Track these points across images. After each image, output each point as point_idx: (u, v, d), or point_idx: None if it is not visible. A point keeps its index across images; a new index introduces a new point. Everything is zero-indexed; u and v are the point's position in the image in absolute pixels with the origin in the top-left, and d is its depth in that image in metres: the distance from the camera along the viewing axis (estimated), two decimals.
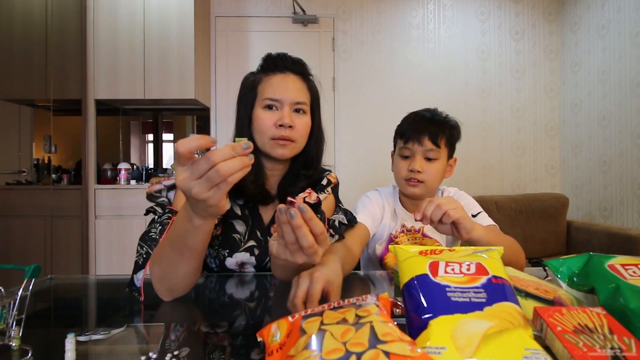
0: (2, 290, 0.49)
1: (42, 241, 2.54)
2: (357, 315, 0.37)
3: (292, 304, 0.54)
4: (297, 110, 0.83)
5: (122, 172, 2.70)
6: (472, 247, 0.54)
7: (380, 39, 3.02)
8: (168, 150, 3.37)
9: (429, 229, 1.05)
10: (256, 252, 0.85)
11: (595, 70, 2.70)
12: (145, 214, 0.78)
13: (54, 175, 2.74)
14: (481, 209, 1.02)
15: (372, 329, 0.34)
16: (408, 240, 1.05)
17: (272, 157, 0.83)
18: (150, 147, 3.39)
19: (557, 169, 3.11)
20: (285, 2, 2.96)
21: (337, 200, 0.94)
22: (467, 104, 3.05)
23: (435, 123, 1.00)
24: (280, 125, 0.80)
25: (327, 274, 0.58)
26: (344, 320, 0.37)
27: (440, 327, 0.37)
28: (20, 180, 2.75)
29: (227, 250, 0.84)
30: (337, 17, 3.00)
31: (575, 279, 0.53)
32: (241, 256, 0.84)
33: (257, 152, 0.84)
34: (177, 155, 0.45)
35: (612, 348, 0.34)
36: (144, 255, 0.68)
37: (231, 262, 0.84)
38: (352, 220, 0.90)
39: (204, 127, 3.27)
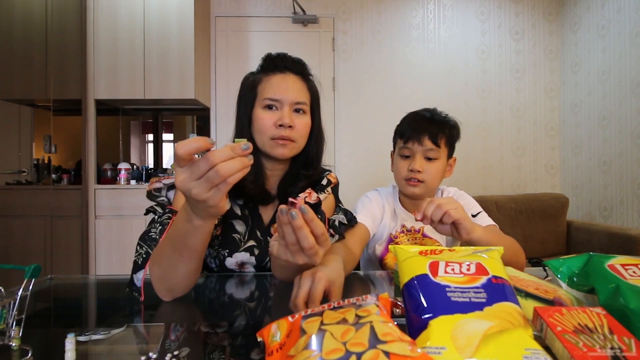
0: (2, 290, 0.49)
1: (42, 241, 2.54)
2: (357, 315, 0.37)
3: (294, 304, 0.55)
4: (297, 110, 0.83)
5: (122, 172, 2.70)
6: (472, 247, 0.54)
7: (380, 39, 3.02)
8: (168, 150, 3.37)
9: (428, 229, 1.05)
10: (256, 252, 0.85)
11: (595, 70, 2.70)
12: (145, 214, 0.78)
13: (54, 175, 2.74)
14: (481, 209, 1.02)
15: (372, 329, 0.34)
16: (408, 240, 1.05)
17: (272, 157, 0.83)
18: (150, 147, 3.39)
19: (557, 169, 3.11)
20: (285, 2, 2.96)
21: (337, 200, 0.94)
22: (467, 104, 3.05)
23: (435, 123, 1.00)
24: (280, 125, 0.80)
25: (329, 274, 0.58)
26: (344, 320, 0.37)
27: (440, 327, 0.37)
28: (20, 180, 2.75)
29: (227, 250, 0.84)
30: (337, 17, 3.01)
31: (575, 279, 0.53)
32: (241, 256, 0.84)
33: (257, 152, 0.84)
34: (176, 157, 0.45)
35: (612, 348, 0.34)
36: (144, 255, 0.68)
37: (231, 262, 0.84)
38: (352, 220, 0.90)
39: (204, 127, 3.27)
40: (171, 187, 0.81)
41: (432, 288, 0.42)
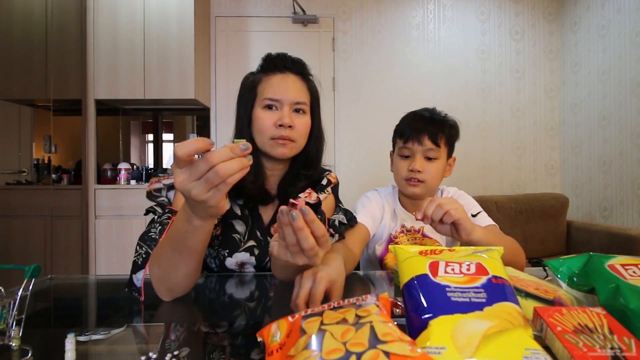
0: (2, 290, 0.49)
1: (42, 241, 2.54)
2: (357, 315, 0.37)
3: (295, 304, 0.55)
4: (296, 110, 0.83)
5: (122, 172, 2.70)
6: (472, 247, 0.54)
7: (380, 39, 3.02)
8: (168, 150, 3.37)
9: (428, 229, 1.05)
10: (256, 252, 0.85)
11: (595, 70, 2.70)
12: (145, 214, 0.78)
13: (54, 175, 2.74)
14: (481, 209, 1.02)
15: (372, 329, 0.34)
16: (408, 240, 1.05)
17: (272, 156, 0.83)
18: (150, 147, 3.39)
19: (557, 169, 3.11)
20: (285, 2, 2.96)
21: (337, 200, 0.94)
22: (467, 104, 3.05)
23: (434, 122, 1.00)
24: (280, 125, 0.80)
25: (330, 274, 0.58)
26: (344, 320, 0.37)
27: (440, 327, 0.37)
28: (20, 180, 2.75)
29: (227, 250, 0.84)
30: (337, 17, 3.01)
31: (575, 279, 0.53)
32: (241, 256, 0.84)
33: (257, 152, 0.84)
34: (175, 158, 0.45)
35: (612, 348, 0.34)
36: (143, 255, 0.68)
37: (231, 262, 0.84)
38: (351, 220, 0.90)
39: (204, 127, 3.27)
40: (171, 187, 0.81)
41: (432, 288, 0.42)
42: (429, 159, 0.99)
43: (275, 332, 0.40)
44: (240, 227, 0.86)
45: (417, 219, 0.76)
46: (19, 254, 2.53)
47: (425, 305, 0.40)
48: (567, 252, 2.68)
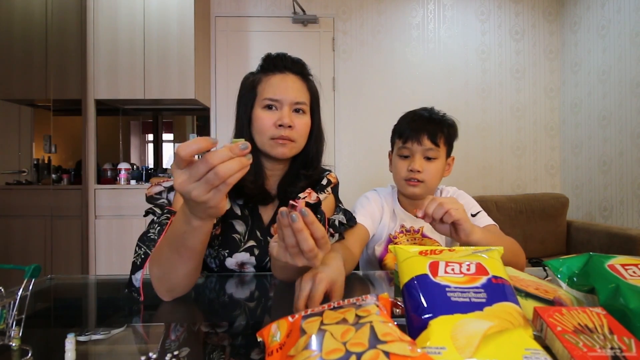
0: (2, 290, 0.49)
1: (42, 241, 2.54)
2: (357, 315, 0.37)
3: (296, 308, 0.55)
4: (296, 110, 0.83)
5: (122, 172, 2.70)
6: (472, 247, 0.54)
7: (380, 39, 3.02)
8: (168, 150, 3.37)
9: (428, 230, 1.05)
10: (256, 252, 0.85)
11: (595, 70, 2.70)
12: (145, 215, 0.78)
13: (54, 175, 2.74)
14: (480, 209, 1.02)
15: (372, 329, 0.34)
16: (407, 240, 1.05)
17: (272, 156, 0.83)
18: (150, 147, 3.39)
19: (557, 169, 3.11)
20: (285, 2, 2.96)
21: (337, 200, 0.94)
22: (467, 104, 3.05)
23: (433, 122, 1.00)
24: (280, 125, 0.80)
25: (329, 274, 0.58)
26: (344, 320, 0.37)
27: (440, 327, 0.37)
28: (20, 180, 2.75)
29: (227, 251, 0.84)
30: (337, 17, 3.01)
31: (575, 279, 0.53)
32: (241, 256, 0.84)
33: (256, 152, 0.84)
34: (177, 158, 0.45)
35: (612, 348, 0.34)
36: (142, 256, 0.68)
37: (231, 262, 0.84)
38: (351, 220, 0.90)
39: (204, 127, 3.27)
40: (171, 189, 0.80)
41: (432, 288, 0.42)
42: (428, 158, 0.99)
43: (275, 332, 0.40)
44: (240, 227, 0.86)
45: (417, 217, 0.76)
46: (19, 254, 2.53)
47: (425, 305, 0.40)
48: (567, 252, 2.68)
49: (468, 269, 0.44)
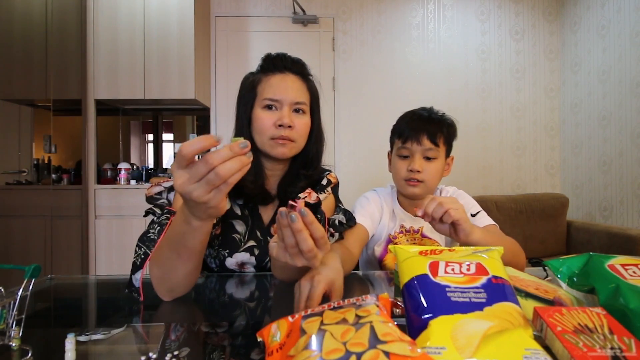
0: (2, 290, 0.49)
1: (42, 241, 2.54)
2: (357, 315, 0.37)
3: (296, 311, 0.55)
4: (296, 110, 0.83)
5: (122, 172, 2.70)
6: (472, 247, 0.54)
7: (380, 39, 3.02)
8: (168, 150, 3.37)
9: (427, 230, 1.05)
10: (256, 252, 0.85)
11: (595, 70, 2.70)
12: (145, 216, 0.78)
13: (54, 175, 2.74)
14: (480, 208, 1.02)
15: (372, 329, 0.34)
16: (407, 240, 1.05)
17: (272, 156, 0.83)
18: (150, 147, 3.39)
19: (557, 169, 3.11)
20: (285, 2, 2.96)
21: (337, 200, 0.94)
22: (467, 104, 3.05)
23: (433, 122, 0.99)
24: (280, 125, 0.80)
25: (328, 275, 0.58)
26: (344, 320, 0.37)
27: (440, 327, 0.37)
28: (20, 180, 2.75)
29: (227, 251, 0.84)
30: (337, 17, 3.01)
31: (575, 279, 0.53)
32: (241, 256, 0.84)
33: (256, 152, 0.84)
34: (180, 157, 0.45)
35: (612, 348, 0.34)
36: (142, 256, 0.68)
37: (231, 262, 0.84)
38: (350, 220, 0.90)
39: (204, 127, 3.27)
40: (171, 189, 0.80)
41: (432, 288, 0.42)
42: (428, 158, 0.99)
43: (275, 332, 0.40)
44: (240, 227, 0.86)
45: (417, 216, 0.76)
46: (19, 254, 2.53)
47: (425, 305, 0.40)
48: (567, 252, 2.68)
49: (468, 269, 0.44)
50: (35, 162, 2.84)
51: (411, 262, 0.47)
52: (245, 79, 0.89)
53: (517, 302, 0.40)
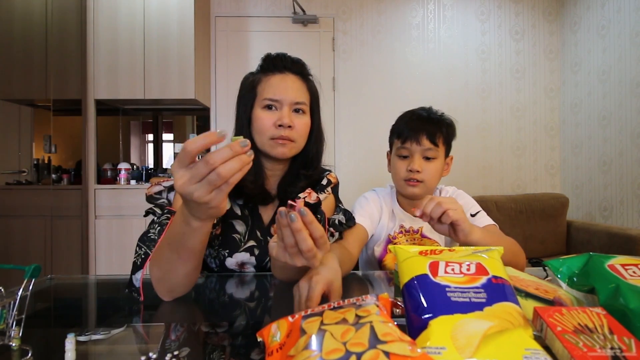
0: (2, 290, 0.49)
1: (42, 241, 2.54)
2: (357, 316, 0.37)
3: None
4: (296, 110, 0.83)
5: (122, 172, 2.70)
6: (472, 247, 0.54)
7: (380, 39, 3.02)
8: (168, 150, 3.37)
9: (427, 230, 1.05)
10: (256, 252, 0.85)
11: (595, 70, 2.70)
12: (145, 215, 0.78)
13: (54, 175, 2.74)
14: (480, 208, 1.02)
15: (372, 329, 0.34)
16: (407, 241, 1.05)
17: (272, 156, 0.83)
18: (150, 147, 3.39)
19: (557, 169, 3.11)
20: (285, 2, 2.96)
21: (337, 200, 0.94)
22: (467, 104, 3.05)
23: (432, 122, 0.99)
24: (280, 125, 0.80)
25: (326, 275, 0.58)
26: (344, 320, 0.37)
27: (440, 327, 0.37)
28: (20, 180, 2.75)
29: (227, 251, 0.84)
30: (337, 17, 3.01)
31: (575, 279, 0.53)
32: (241, 256, 0.84)
33: (256, 152, 0.84)
34: (184, 154, 0.44)
35: (612, 348, 0.34)
36: (142, 256, 0.68)
37: (231, 262, 0.84)
38: (350, 220, 0.90)
39: (204, 127, 3.27)
40: (171, 188, 0.80)
41: (432, 288, 0.42)
42: (427, 158, 0.99)
43: (275, 332, 0.40)
44: (240, 227, 0.86)
45: (415, 216, 0.75)
46: (19, 254, 2.53)
47: (425, 305, 0.40)
48: (567, 252, 2.68)
49: (468, 269, 0.44)
50: (35, 162, 2.85)
51: (411, 262, 0.47)
52: (245, 79, 0.89)
53: (517, 302, 0.40)
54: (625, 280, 0.45)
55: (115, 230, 2.57)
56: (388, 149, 1.10)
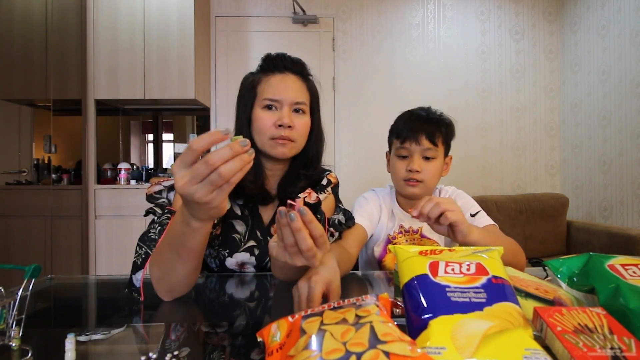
0: (2, 290, 0.49)
1: (42, 241, 2.54)
2: (357, 316, 0.37)
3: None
4: (296, 110, 0.83)
5: (122, 172, 2.70)
6: (472, 247, 0.54)
7: (380, 39, 3.02)
8: (168, 151, 3.37)
9: (427, 230, 1.05)
10: (256, 252, 0.85)
11: (595, 70, 2.70)
12: (145, 215, 0.78)
13: (54, 175, 2.74)
14: (480, 208, 1.02)
15: (372, 329, 0.34)
16: (406, 241, 1.04)
17: (272, 156, 0.83)
18: (150, 147, 3.39)
19: (557, 169, 3.11)
20: (285, 2, 2.96)
21: (337, 200, 0.94)
22: (467, 104, 3.05)
23: (431, 122, 0.99)
24: (280, 125, 0.80)
25: (324, 275, 0.58)
26: (344, 320, 0.37)
27: (440, 327, 0.37)
28: (20, 180, 2.75)
29: (227, 251, 0.84)
30: (337, 17, 3.01)
31: (575, 279, 0.53)
32: (241, 256, 0.84)
33: (256, 152, 0.84)
34: (189, 152, 0.45)
35: (612, 348, 0.34)
36: (143, 256, 0.68)
37: (231, 262, 0.84)
38: (350, 221, 0.90)
39: (204, 127, 3.27)
40: (171, 188, 0.81)
41: (432, 288, 0.42)
42: (426, 158, 0.99)
43: (275, 332, 0.40)
44: (240, 227, 0.86)
45: (412, 216, 0.75)
46: (19, 254, 2.53)
47: (425, 305, 0.40)
48: (567, 252, 2.68)
49: (468, 269, 0.44)
50: (35, 162, 2.85)
51: (411, 262, 0.47)
52: (245, 79, 0.89)
53: (517, 302, 0.40)
54: (625, 280, 0.45)
55: (115, 230, 2.57)
56: (387, 149, 1.10)
